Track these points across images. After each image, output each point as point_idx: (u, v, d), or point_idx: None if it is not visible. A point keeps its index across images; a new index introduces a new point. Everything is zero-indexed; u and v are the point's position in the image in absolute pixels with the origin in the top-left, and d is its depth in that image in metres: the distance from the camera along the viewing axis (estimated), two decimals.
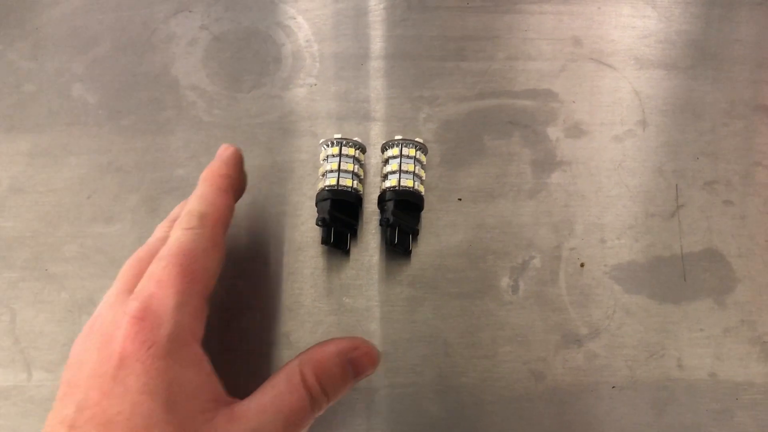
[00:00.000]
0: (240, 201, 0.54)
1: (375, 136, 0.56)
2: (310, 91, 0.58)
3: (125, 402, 0.32)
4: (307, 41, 0.60)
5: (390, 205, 0.51)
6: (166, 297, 0.36)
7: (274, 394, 0.37)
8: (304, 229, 0.53)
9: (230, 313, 0.50)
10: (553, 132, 0.57)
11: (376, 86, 0.59)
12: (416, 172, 0.52)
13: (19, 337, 0.50)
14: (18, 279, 0.52)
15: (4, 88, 0.59)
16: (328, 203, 0.51)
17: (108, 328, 0.36)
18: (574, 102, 0.58)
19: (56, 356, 0.50)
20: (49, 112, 0.58)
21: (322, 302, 0.51)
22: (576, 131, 0.57)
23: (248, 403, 0.36)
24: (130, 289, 0.39)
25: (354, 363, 0.40)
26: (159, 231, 0.46)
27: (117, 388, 0.33)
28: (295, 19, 0.61)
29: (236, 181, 0.47)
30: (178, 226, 0.40)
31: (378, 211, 0.53)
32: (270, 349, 0.50)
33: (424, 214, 0.53)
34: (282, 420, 0.36)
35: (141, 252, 0.43)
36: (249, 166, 0.55)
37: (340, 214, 0.51)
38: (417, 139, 0.52)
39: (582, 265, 0.52)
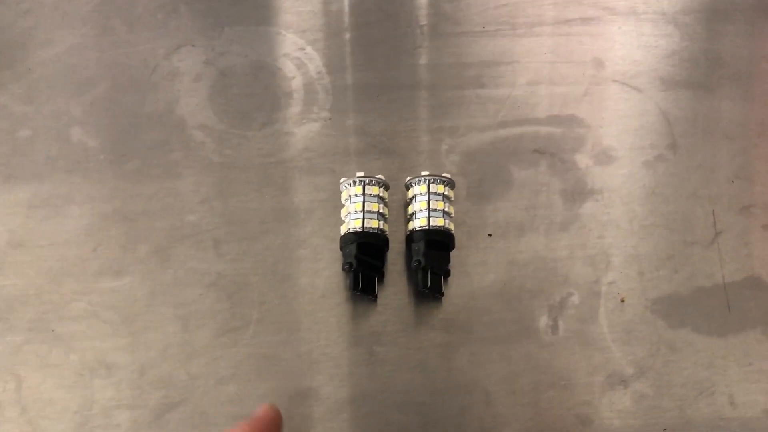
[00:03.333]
0: (257, 244, 0.51)
1: (396, 171, 0.54)
2: (324, 125, 0.55)
3: None
4: (318, 73, 0.58)
5: (421, 245, 0.48)
6: None
7: None
8: (327, 274, 0.50)
9: (251, 370, 0.47)
10: (582, 159, 0.54)
11: (393, 118, 0.56)
12: (446, 209, 0.49)
13: (27, 407, 0.46)
14: (22, 342, 0.48)
15: None
16: (354, 247, 0.48)
17: None
18: (600, 127, 0.55)
19: (68, 425, 0.46)
20: (48, 158, 0.54)
21: (352, 352, 0.48)
22: (605, 158, 0.54)
23: None
24: None
25: None
26: None
27: None
28: (304, 50, 0.59)
29: None
30: None
31: (404, 251, 0.51)
32: (298, 408, 0.46)
33: (452, 253, 0.51)
34: None
35: None
36: (265, 207, 0.52)
37: (367, 257, 0.48)
38: (444, 175, 0.49)
39: (622, 300, 0.50)
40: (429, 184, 0.49)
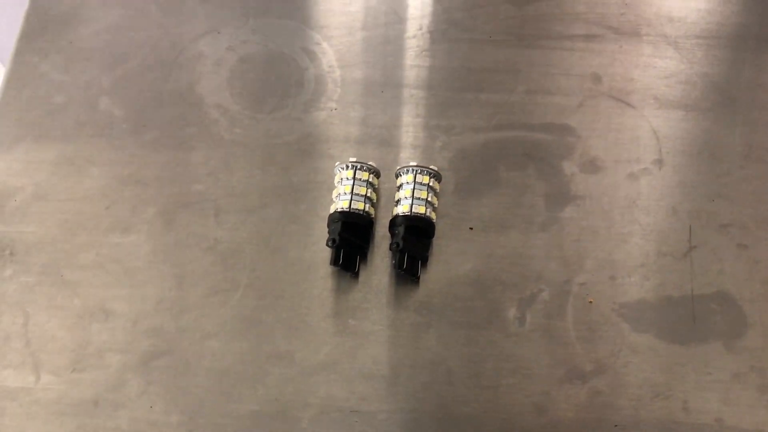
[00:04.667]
0: (255, 216, 0.55)
1: (390, 162, 0.57)
2: (329, 115, 0.59)
3: None
4: (330, 67, 0.62)
5: (401, 230, 0.51)
6: None
7: None
8: (315, 249, 0.54)
9: (235, 329, 0.51)
10: (569, 166, 0.57)
11: (395, 113, 0.59)
12: (429, 199, 0.52)
13: (31, 341, 0.51)
14: (34, 283, 0.53)
15: (35, 99, 0.61)
16: (339, 225, 0.51)
17: None
18: (590, 138, 0.58)
19: (65, 361, 0.50)
20: (76, 123, 0.59)
21: (328, 323, 0.51)
22: (591, 167, 0.57)
23: None
24: None
25: None
26: None
27: None
28: (320, 44, 0.63)
29: None
30: None
31: (389, 235, 0.54)
32: (272, 368, 0.50)
33: (434, 242, 0.54)
34: None
35: None
36: (266, 183, 0.56)
37: (350, 236, 0.52)
38: (431, 167, 0.53)
39: (591, 301, 0.52)
40: (416, 174, 0.53)
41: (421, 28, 0.64)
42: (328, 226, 0.53)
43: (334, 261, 0.51)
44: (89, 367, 0.50)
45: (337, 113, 0.59)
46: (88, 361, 0.50)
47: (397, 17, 0.64)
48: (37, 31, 0.64)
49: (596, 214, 0.55)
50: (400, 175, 0.54)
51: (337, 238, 0.51)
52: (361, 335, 0.51)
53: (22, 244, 0.55)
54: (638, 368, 0.50)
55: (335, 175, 0.54)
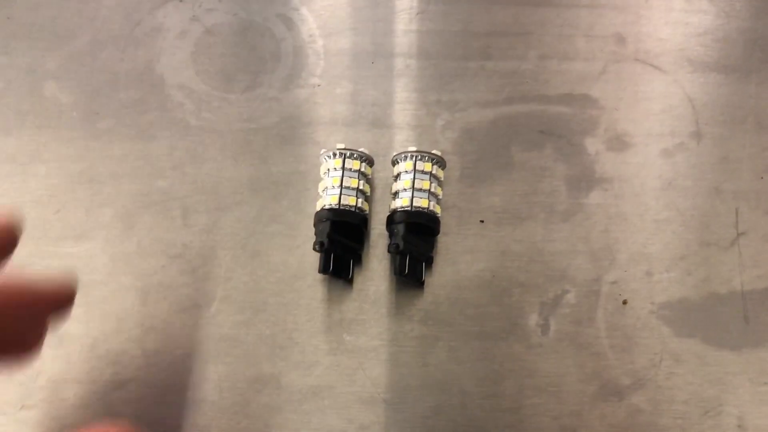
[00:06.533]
0: (229, 216, 0.47)
1: (385, 146, 0.49)
2: (312, 92, 0.51)
3: None
4: (310, 36, 0.53)
5: (401, 228, 0.43)
6: None
7: None
8: (300, 252, 0.46)
9: (210, 351, 0.44)
10: (592, 144, 0.49)
11: (388, 88, 0.51)
12: (432, 190, 0.44)
13: None
14: None
15: None
16: (327, 225, 0.43)
17: None
18: (616, 109, 0.50)
19: (12, 396, 0.43)
20: (18, 113, 0.51)
21: (320, 340, 0.44)
22: (619, 143, 0.49)
23: None
24: None
25: None
26: None
27: None
28: (298, 10, 0.54)
29: None
30: None
31: (386, 233, 0.46)
32: (256, 395, 0.43)
33: (439, 238, 0.46)
34: None
35: None
36: (241, 176, 0.48)
37: (341, 237, 0.44)
38: (434, 152, 0.45)
39: (624, 302, 0.45)
40: (416, 161, 0.45)
41: None
42: (315, 226, 0.45)
43: (324, 268, 0.43)
44: (41, 402, 0.43)
45: (321, 90, 0.51)
46: (39, 395, 0.43)
47: None
48: None
49: (627, 198, 0.47)
50: (398, 163, 0.46)
51: (325, 240, 0.43)
52: (358, 353, 0.44)
53: None
54: (684, 380, 0.43)
55: (321, 164, 0.46)
